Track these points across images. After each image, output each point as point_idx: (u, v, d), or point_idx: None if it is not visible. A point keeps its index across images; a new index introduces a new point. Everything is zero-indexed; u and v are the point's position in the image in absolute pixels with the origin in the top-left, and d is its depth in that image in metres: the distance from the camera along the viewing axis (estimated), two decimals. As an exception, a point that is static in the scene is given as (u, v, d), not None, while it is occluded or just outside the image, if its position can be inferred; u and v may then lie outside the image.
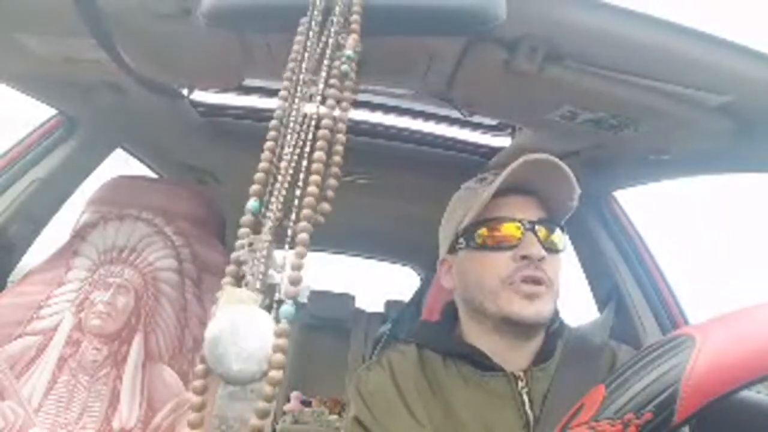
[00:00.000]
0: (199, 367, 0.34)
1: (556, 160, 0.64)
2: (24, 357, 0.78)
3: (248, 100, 1.37)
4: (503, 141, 1.33)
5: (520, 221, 0.64)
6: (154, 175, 1.48)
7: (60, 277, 0.86)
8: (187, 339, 0.83)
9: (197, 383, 0.34)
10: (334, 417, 2.00)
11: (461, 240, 0.68)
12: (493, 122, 1.31)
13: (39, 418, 0.74)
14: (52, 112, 1.08)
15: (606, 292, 1.11)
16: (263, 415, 0.31)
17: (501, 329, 0.65)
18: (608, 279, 1.11)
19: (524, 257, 0.63)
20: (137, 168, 1.44)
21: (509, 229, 0.64)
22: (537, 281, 0.62)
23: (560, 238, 0.67)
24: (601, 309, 1.13)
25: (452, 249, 0.71)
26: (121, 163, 1.36)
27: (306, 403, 2.11)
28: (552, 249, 0.65)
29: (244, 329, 0.32)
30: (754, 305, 0.37)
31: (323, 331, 2.37)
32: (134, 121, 1.15)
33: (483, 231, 0.66)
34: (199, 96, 1.27)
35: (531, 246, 0.63)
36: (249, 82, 1.24)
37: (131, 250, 0.88)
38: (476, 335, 0.68)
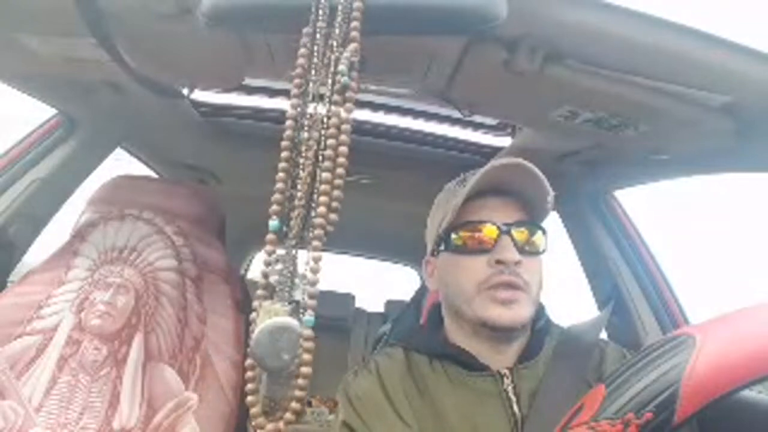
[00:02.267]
0: (249, 362, 0.46)
1: (526, 163, 0.64)
2: (24, 357, 0.78)
3: (249, 100, 1.37)
4: (503, 141, 1.33)
5: (496, 223, 0.64)
6: (154, 175, 1.48)
7: (60, 276, 0.86)
8: (187, 338, 0.83)
9: (249, 374, 0.46)
10: (334, 417, 2.00)
11: (441, 242, 0.68)
12: (493, 122, 1.31)
13: (39, 417, 0.74)
14: (53, 112, 1.08)
15: (606, 292, 1.11)
16: (299, 400, 0.45)
17: (480, 333, 0.65)
18: (608, 278, 1.11)
19: (499, 262, 0.62)
20: (137, 168, 1.44)
21: (485, 232, 0.64)
22: (512, 286, 0.62)
23: (540, 239, 0.66)
24: (601, 308, 1.13)
25: (434, 251, 0.71)
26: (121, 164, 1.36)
27: (306, 403, 2.11)
28: (530, 251, 0.64)
29: (279, 336, 0.43)
30: (755, 305, 0.37)
31: (323, 331, 2.36)
32: (134, 121, 1.15)
33: (461, 233, 0.66)
34: (199, 96, 1.26)
35: (506, 250, 0.62)
36: (249, 81, 1.24)
37: (131, 250, 0.88)
38: (459, 337, 0.68)
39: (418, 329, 0.78)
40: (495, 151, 1.33)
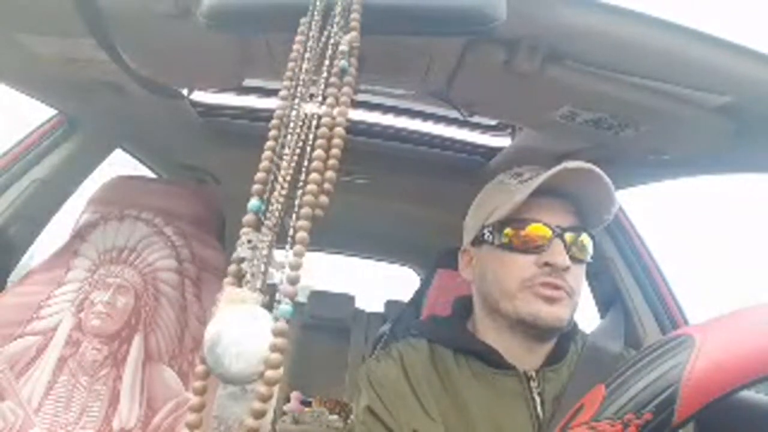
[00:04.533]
0: (199, 368, 0.34)
1: (598, 170, 0.62)
2: (24, 357, 0.78)
3: (248, 100, 1.37)
4: (503, 141, 1.33)
5: (549, 225, 0.63)
6: (154, 175, 1.48)
7: (60, 277, 0.86)
8: (187, 339, 0.83)
9: (197, 384, 0.34)
10: (334, 417, 2.00)
11: (487, 234, 0.67)
12: (493, 122, 1.31)
13: (39, 418, 0.74)
14: (53, 112, 1.08)
15: (606, 293, 1.11)
16: (259, 415, 0.32)
17: (516, 329, 0.65)
18: (608, 279, 1.11)
19: (548, 264, 0.61)
20: (137, 168, 1.44)
21: (537, 232, 0.63)
22: (557, 287, 0.61)
23: (589, 246, 0.65)
24: (601, 309, 1.13)
25: (476, 241, 0.70)
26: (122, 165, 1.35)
27: (306, 403, 2.10)
28: (578, 258, 0.64)
29: (243, 329, 0.32)
30: (754, 306, 0.37)
31: (323, 331, 2.37)
32: (134, 121, 1.15)
33: (510, 230, 0.64)
34: (199, 96, 1.27)
35: (557, 254, 0.61)
36: (248, 82, 1.24)
37: (131, 251, 0.88)
38: (490, 332, 0.68)
39: (443, 322, 0.77)
40: (494, 151, 1.33)
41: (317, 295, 2.48)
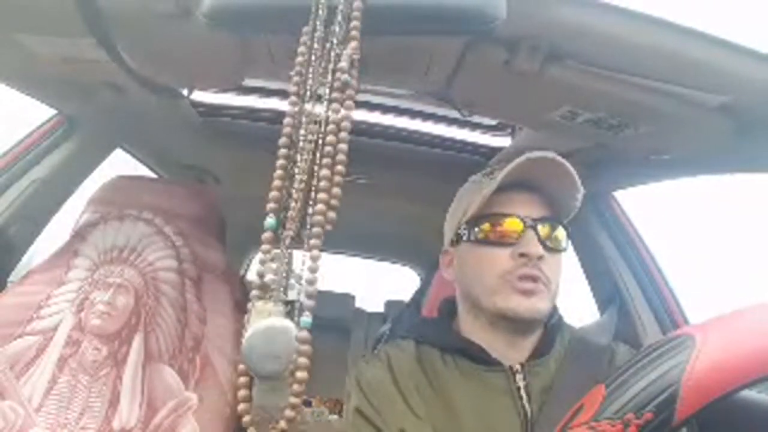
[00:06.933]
0: (241, 367, 0.43)
1: (559, 158, 0.64)
2: (24, 357, 0.78)
3: (248, 100, 1.37)
4: (503, 141, 1.33)
5: (521, 218, 0.64)
6: (154, 175, 1.48)
7: (60, 276, 0.86)
8: (187, 339, 0.83)
9: (241, 380, 0.44)
10: (334, 417, 2.00)
11: (463, 232, 0.69)
12: (493, 122, 1.31)
13: (39, 417, 0.74)
14: (52, 112, 1.08)
15: (606, 292, 1.11)
16: (295, 407, 0.42)
17: (497, 324, 0.66)
18: (608, 279, 1.11)
19: (522, 255, 0.63)
20: (137, 168, 1.44)
21: (510, 225, 0.65)
22: (533, 279, 0.63)
23: (562, 236, 0.67)
24: (601, 309, 1.13)
25: (454, 241, 0.71)
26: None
27: (306, 403, 2.10)
28: (553, 248, 0.65)
29: (272, 338, 0.40)
30: (754, 305, 0.37)
31: (323, 331, 2.36)
32: (134, 121, 1.15)
33: (485, 225, 0.66)
34: (199, 96, 1.27)
35: (530, 244, 0.63)
36: (249, 82, 1.24)
37: (131, 250, 0.88)
38: (474, 330, 0.69)
39: (429, 322, 0.78)
40: (494, 151, 1.33)
41: (317, 295, 2.47)
